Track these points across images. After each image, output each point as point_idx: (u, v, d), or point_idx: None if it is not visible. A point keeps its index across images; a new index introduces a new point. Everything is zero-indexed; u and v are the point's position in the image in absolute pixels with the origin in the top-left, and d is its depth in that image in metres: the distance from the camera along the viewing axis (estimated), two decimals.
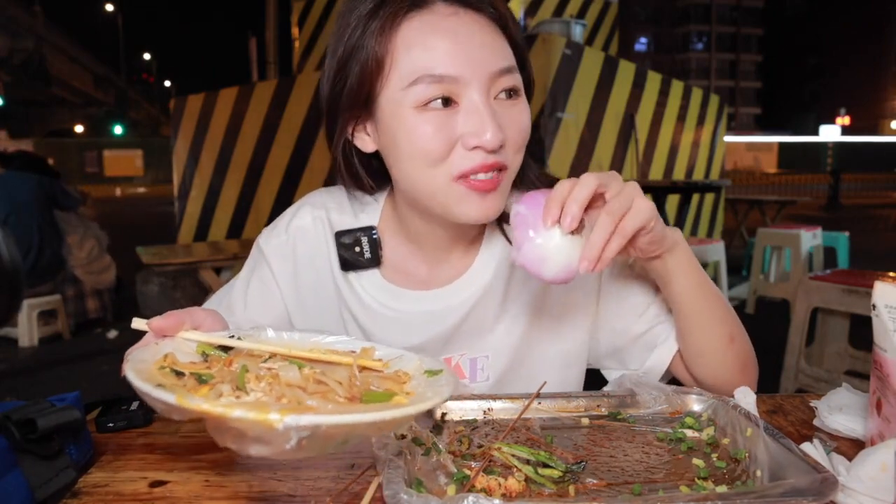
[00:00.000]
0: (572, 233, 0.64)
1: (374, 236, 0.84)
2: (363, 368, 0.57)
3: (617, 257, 0.67)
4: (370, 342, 0.62)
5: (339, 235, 0.85)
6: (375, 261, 0.84)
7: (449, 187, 0.72)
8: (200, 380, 0.51)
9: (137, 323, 0.59)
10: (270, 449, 0.43)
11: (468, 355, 0.86)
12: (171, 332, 0.58)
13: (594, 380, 0.96)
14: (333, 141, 0.79)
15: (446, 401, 0.50)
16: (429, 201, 0.75)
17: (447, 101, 0.70)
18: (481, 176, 0.71)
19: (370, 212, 0.87)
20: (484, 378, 0.86)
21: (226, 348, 0.59)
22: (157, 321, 0.58)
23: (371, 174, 0.84)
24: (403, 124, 0.71)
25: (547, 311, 0.88)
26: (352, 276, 0.86)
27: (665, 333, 0.87)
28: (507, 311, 0.87)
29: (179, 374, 0.52)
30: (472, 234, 0.86)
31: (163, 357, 0.54)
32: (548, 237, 0.65)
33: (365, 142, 0.78)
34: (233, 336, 0.60)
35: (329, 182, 0.94)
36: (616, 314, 0.88)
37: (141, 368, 0.50)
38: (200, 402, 0.42)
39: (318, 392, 0.49)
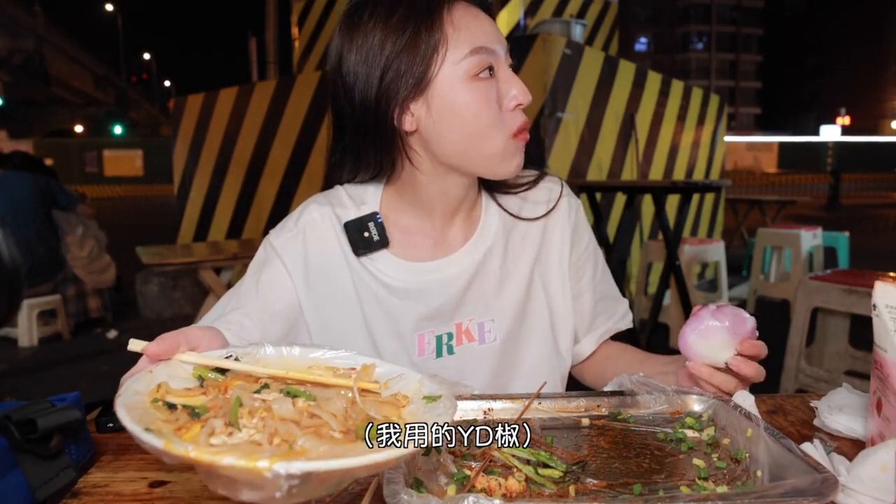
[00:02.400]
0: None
1: (379, 220, 0.93)
2: (362, 391, 0.56)
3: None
4: (371, 358, 0.61)
5: (347, 226, 0.94)
6: (384, 241, 0.93)
7: (507, 143, 0.87)
8: (193, 413, 0.50)
9: (134, 345, 0.58)
10: (261, 495, 0.42)
11: (476, 320, 0.96)
12: (166, 356, 0.57)
13: None
14: (383, 128, 0.86)
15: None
16: (478, 159, 0.87)
17: (491, 70, 0.85)
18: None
19: (369, 202, 0.96)
20: (492, 339, 0.96)
21: (223, 370, 0.58)
22: (152, 347, 0.57)
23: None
24: (461, 94, 0.84)
25: (539, 273, 1.00)
26: (364, 260, 0.94)
27: (599, 323, 1.05)
28: (507, 274, 0.98)
29: (172, 406, 0.50)
30: (473, 200, 0.98)
31: (156, 388, 0.52)
32: (721, 353, 0.78)
33: (409, 123, 0.86)
34: (230, 356, 0.59)
35: (328, 181, 1.00)
36: (583, 281, 1.04)
37: (134, 402, 0.49)
38: (189, 449, 0.41)
39: (312, 426, 0.48)
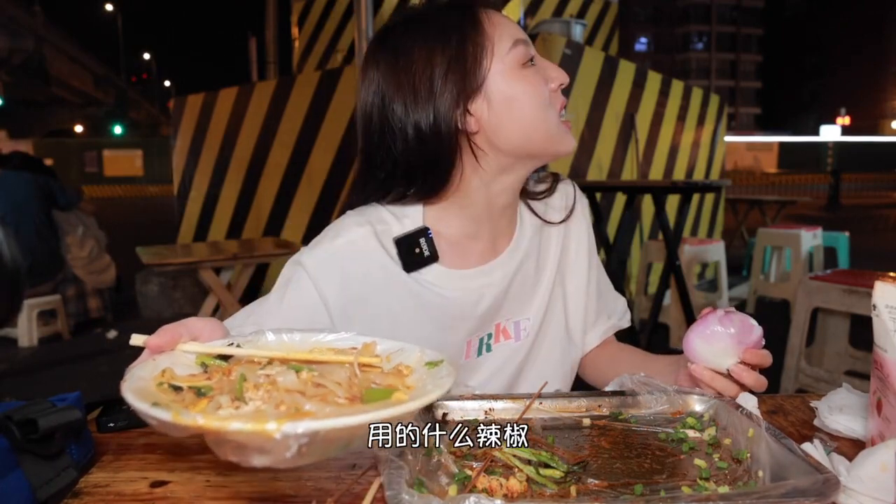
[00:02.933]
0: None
1: (430, 235, 0.93)
2: (364, 366, 0.56)
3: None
4: (371, 337, 0.61)
5: (398, 242, 0.92)
6: (434, 256, 0.93)
7: (558, 125, 0.92)
8: (199, 393, 0.50)
9: (136, 339, 0.58)
10: (272, 458, 0.43)
11: (513, 319, 1.00)
12: (168, 348, 0.58)
13: None
14: (447, 136, 0.88)
15: (447, 392, 0.50)
16: (541, 141, 0.91)
17: (532, 60, 0.91)
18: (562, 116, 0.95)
19: (412, 216, 0.94)
20: (526, 335, 1.00)
21: (226, 357, 0.59)
22: (154, 339, 0.58)
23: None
24: (516, 84, 0.88)
25: (560, 270, 1.04)
26: (415, 275, 0.93)
27: (603, 320, 1.09)
28: (540, 274, 1.02)
29: (178, 388, 0.51)
30: (516, 205, 1.01)
31: (161, 373, 0.53)
32: (725, 359, 0.78)
33: (472, 123, 0.89)
34: (232, 344, 0.59)
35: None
36: (591, 282, 1.08)
37: (139, 387, 0.49)
38: (197, 418, 0.42)
39: (318, 395, 0.48)
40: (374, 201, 0.96)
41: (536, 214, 1.03)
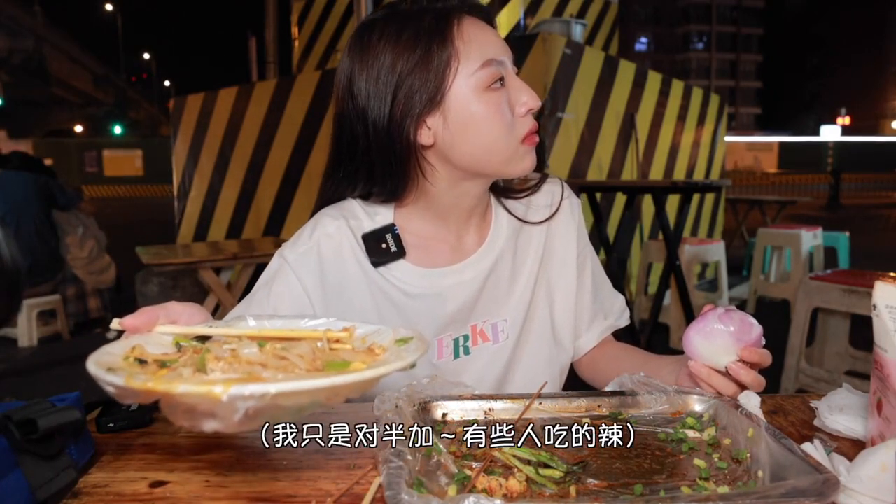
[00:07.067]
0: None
1: (396, 232, 0.95)
2: (334, 342, 0.57)
3: None
4: (352, 322, 0.62)
5: (365, 237, 0.95)
6: (401, 252, 0.94)
7: (517, 149, 0.90)
8: (163, 365, 0.51)
9: (115, 323, 0.59)
10: (221, 422, 0.43)
11: (490, 321, 0.99)
12: (144, 329, 0.59)
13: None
14: (398, 144, 0.88)
15: (410, 366, 0.50)
16: (494, 164, 0.90)
17: (501, 81, 0.88)
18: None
19: (383, 214, 0.97)
20: (505, 338, 1.00)
21: (203, 339, 0.59)
22: (129, 319, 0.59)
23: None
24: (476, 106, 0.87)
25: (544, 272, 1.03)
26: (382, 270, 0.95)
27: (599, 320, 1.08)
28: (516, 275, 1.01)
29: (145, 363, 0.52)
30: (485, 206, 1.01)
31: (130, 349, 0.54)
32: (723, 356, 0.78)
33: (426, 136, 0.89)
34: (210, 327, 0.60)
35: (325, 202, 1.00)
36: (582, 278, 1.06)
37: (106, 360, 0.50)
38: (146, 381, 0.43)
39: (279, 367, 0.49)
40: (346, 194, 0.98)
41: (514, 215, 1.02)
